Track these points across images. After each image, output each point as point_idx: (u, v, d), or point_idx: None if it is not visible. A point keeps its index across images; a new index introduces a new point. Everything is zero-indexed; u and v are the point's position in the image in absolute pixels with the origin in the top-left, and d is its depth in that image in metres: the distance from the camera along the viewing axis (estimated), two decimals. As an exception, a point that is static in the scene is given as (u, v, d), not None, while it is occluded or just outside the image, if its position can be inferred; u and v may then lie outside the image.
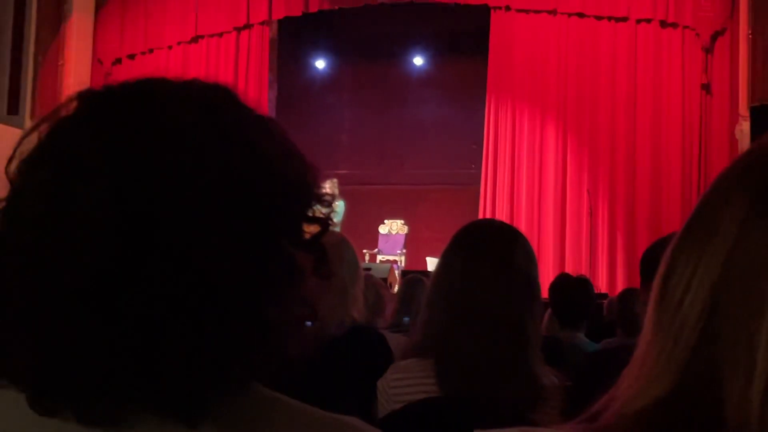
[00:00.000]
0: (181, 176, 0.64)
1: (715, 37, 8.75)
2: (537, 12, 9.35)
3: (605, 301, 5.23)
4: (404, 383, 1.71)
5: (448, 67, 11.42)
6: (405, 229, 10.26)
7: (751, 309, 0.56)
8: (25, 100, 9.57)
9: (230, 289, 0.64)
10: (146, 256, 0.62)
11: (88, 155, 0.64)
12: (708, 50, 8.77)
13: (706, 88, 8.79)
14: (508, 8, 9.42)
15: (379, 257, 9.88)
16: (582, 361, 2.72)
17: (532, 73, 9.41)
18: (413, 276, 4.31)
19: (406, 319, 3.71)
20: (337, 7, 9.96)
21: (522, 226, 8.11)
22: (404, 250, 9.97)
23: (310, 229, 0.72)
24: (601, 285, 8.42)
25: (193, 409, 0.64)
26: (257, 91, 10.09)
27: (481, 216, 8.92)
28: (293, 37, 11.13)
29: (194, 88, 0.72)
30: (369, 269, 6.31)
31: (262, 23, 10.27)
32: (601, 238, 8.93)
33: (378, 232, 10.23)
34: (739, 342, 0.56)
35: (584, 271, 8.02)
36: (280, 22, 10.48)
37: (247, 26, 10.26)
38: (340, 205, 8.36)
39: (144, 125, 0.66)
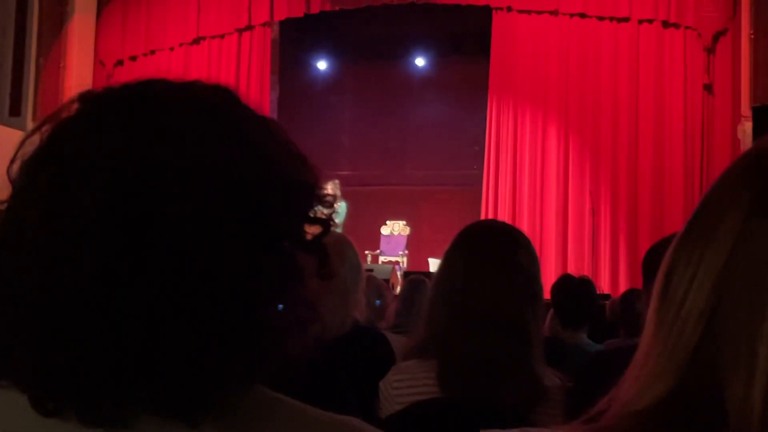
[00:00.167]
0: (182, 177, 0.64)
1: (717, 37, 8.73)
2: (539, 13, 9.34)
3: (607, 302, 5.22)
4: (406, 384, 1.71)
5: (449, 68, 11.41)
6: (407, 230, 10.26)
7: (753, 309, 0.56)
8: (27, 102, 9.57)
9: (231, 290, 0.64)
10: (148, 257, 0.62)
11: (90, 156, 0.64)
12: (710, 50, 8.76)
13: (708, 88, 8.77)
14: (509, 9, 9.41)
15: (381, 258, 9.88)
16: (584, 361, 2.71)
17: (534, 74, 9.40)
18: (415, 277, 4.31)
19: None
20: (338, 8, 9.95)
21: (524, 227, 8.10)
22: (406, 251, 9.97)
23: (312, 230, 0.72)
24: (604, 286, 8.40)
25: (194, 410, 0.64)
26: (259, 92, 10.09)
27: (483, 217, 8.92)
28: (295, 39, 11.13)
29: (196, 90, 0.72)
30: (371, 270, 6.31)
31: (264, 24, 10.26)
32: (603, 238, 8.92)
33: (380, 233, 10.23)
34: (740, 342, 0.56)
35: (586, 271, 8.00)
36: (281, 23, 10.47)
37: (249, 27, 10.25)
38: (342, 207, 8.36)
39: (145, 126, 0.66)
